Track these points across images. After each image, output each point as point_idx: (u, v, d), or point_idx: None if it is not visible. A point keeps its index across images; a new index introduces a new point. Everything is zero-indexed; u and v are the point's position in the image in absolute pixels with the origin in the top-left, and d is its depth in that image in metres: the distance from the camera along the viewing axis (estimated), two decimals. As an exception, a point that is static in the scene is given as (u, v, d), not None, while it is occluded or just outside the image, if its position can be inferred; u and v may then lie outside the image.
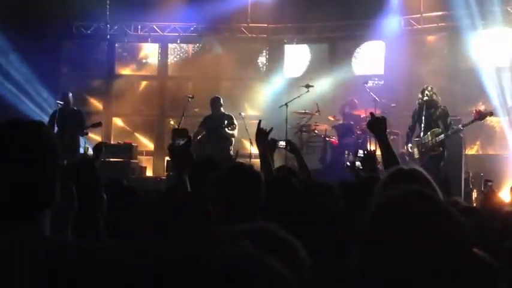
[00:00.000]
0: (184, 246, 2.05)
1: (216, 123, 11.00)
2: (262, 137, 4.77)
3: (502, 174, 10.46)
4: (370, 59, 13.78)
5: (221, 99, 11.47)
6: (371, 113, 4.14)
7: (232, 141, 11.10)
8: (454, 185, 9.45)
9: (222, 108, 11.38)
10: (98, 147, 7.02)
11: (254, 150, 11.19)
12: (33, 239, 1.63)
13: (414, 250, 1.51)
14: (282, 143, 5.25)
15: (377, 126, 3.89)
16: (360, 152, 10.66)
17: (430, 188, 2.45)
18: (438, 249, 1.52)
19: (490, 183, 9.01)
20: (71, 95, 11.49)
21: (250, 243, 1.26)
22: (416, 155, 9.86)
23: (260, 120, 5.04)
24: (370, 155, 4.37)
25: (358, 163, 8.37)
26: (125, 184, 3.95)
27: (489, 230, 2.96)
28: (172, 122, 11.31)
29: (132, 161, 12.35)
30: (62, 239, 1.73)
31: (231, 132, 11.00)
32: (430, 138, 9.64)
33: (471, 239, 1.57)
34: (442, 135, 9.56)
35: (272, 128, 4.99)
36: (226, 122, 10.96)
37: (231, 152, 10.92)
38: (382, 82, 12.35)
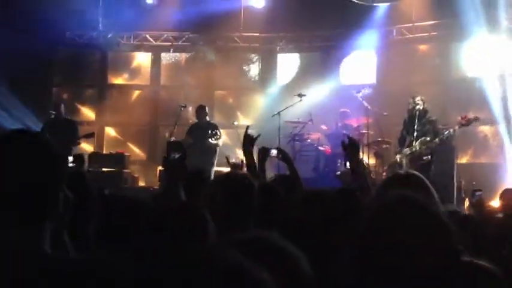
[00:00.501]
0: (172, 255, 2.04)
1: (201, 133, 11.02)
2: (249, 143, 4.76)
3: (494, 183, 10.47)
4: (362, 68, 13.82)
5: (206, 108, 11.51)
6: (348, 137, 4.22)
7: (216, 150, 11.12)
8: (446, 193, 9.48)
9: (207, 117, 11.43)
10: (78, 157, 7.02)
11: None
12: (26, 249, 1.62)
13: (403, 253, 1.52)
14: (274, 152, 5.23)
15: (350, 149, 3.97)
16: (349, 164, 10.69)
17: (426, 192, 2.45)
18: (426, 253, 1.53)
19: (478, 193, 9.01)
20: (63, 105, 11.47)
21: (249, 253, 1.25)
22: (406, 165, 9.87)
23: (248, 127, 5.03)
24: (354, 144, 4.35)
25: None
26: (106, 193, 3.94)
27: (482, 237, 2.97)
28: (167, 134, 11.28)
29: (124, 170, 12.31)
30: (52, 251, 1.72)
31: (215, 142, 11.03)
32: (419, 147, 9.67)
33: (459, 242, 1.58)
34: (431, 143, 9.59)
35: (259, 134, 4.98)
36: (210, 131, 10.99)
37: (215, 162, 10.97)
38: (370, 90, 12.35)
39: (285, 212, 3.21)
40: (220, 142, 11.24)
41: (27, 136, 1.76)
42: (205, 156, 10.65)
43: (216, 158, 11.21)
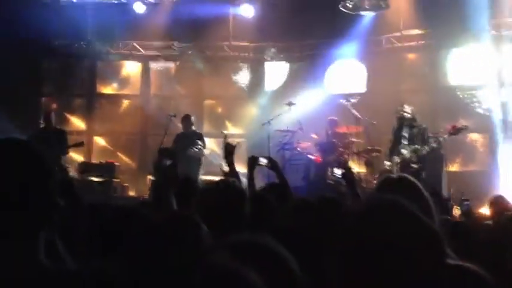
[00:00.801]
0: (167, 261, 2.04)
1: (187, 142, 10.99)
2: (229, 152, 4.75)
3: (483, 190, 10.51)
4: (351, 76, 13.87)
5: (192, 117, 11.48)
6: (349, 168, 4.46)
7: (201, 160, 11.10)
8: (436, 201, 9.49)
9: (193, 127, 11.40)
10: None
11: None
12: (25, 260, 1.61)
13: (389, 257, 1.53)
14: (263, 160, 5.23)
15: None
16: (336, 171, 10.74)
17: (419, 195, 2.45)
18: (413, 256, 1.55)
19: (466, 203, 9.06)
20: (53, 114, 11.38)
21: (241, 256, 1.26)
22: (396, 172, 9.89)
23: (225, 136, 5.05)
24: (349, 175, 4.43)
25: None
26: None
27: (473, 244, 2.98)
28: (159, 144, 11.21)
29: (114, 180, 12.26)
30: (48, 261, 1.71)
31: (199, 151, 11.00)
32: (408, 155, 9.70)
33: (448, 247, 1.59)
34: (420, 151, 9.62)
35: (238, 142, 5.01)
36: (193, 141, 10.97)
37: (200, 171, 10.94)
38: (359, 99, 12.40)
39: (276, 220, 3.22)
40: (204, 151, 11.22)
41: (14, 142, 1.76)
42: (189, 166, 10.57)
43: (201, 167, 11.19)
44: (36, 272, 1.60)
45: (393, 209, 1.63)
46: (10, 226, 1.64)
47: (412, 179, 2.66)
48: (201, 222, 2.49)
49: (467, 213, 6.49)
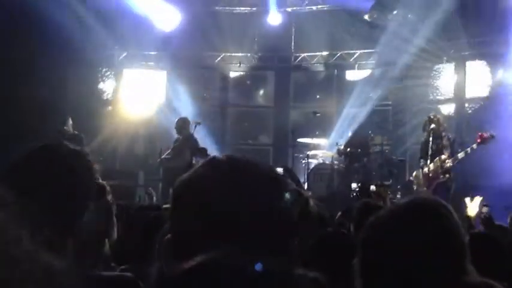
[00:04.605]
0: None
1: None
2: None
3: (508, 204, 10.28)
4: (377, 86, 13.77)
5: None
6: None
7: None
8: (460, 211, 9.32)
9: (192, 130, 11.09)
10: None
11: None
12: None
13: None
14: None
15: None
16: (354, 185, 10.62)
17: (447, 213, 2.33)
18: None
19: (486, 208, 8.83)
20: (71, 120, 11.37)
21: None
22: (425, 183, 9.77)
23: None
24: (365, 187, 4.42)
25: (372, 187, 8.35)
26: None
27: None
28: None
29: (138, 186, 12.30)
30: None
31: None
32: (437, 165, 9.56)
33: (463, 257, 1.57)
34: (448, 162, 9.49)
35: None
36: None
37: None
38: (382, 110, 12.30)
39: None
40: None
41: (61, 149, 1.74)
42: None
43: None
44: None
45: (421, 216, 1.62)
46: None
47: (434, 203, 2.49)
48: None
49: (487, 221, 6.23)
